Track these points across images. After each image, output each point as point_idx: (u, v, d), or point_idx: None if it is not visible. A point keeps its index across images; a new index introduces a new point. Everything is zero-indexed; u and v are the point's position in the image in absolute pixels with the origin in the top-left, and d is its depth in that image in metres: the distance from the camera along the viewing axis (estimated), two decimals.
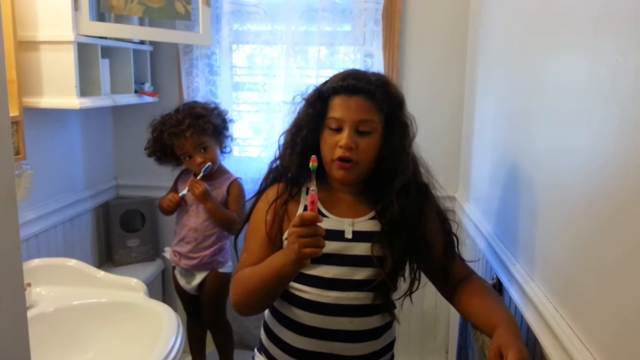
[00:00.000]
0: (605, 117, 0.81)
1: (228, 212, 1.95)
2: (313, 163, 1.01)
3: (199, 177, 1.92)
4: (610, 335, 0.78)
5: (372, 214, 1.18)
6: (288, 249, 1.00)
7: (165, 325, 1.38)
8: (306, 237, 0.96)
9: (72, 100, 1.71)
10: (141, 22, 2.08)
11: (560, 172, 0.99)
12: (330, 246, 1.13)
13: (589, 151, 0.87)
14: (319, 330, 1.14)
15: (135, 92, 2.13)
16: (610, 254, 0.78)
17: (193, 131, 1.88)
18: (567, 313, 0.93)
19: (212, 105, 2.01)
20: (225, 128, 2.03)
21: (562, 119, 1.00)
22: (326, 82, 1.18)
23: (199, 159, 1.92)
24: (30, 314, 1.39)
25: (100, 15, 1.89)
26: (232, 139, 2.10)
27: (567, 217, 0.95)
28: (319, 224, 0.97)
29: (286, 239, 1.10)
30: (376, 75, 1.17)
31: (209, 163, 1.92)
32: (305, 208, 1.18)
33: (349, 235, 1.16)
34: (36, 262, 1.60)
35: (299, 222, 0.96)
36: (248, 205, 1.28)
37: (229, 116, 2.06)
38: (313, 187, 0.99)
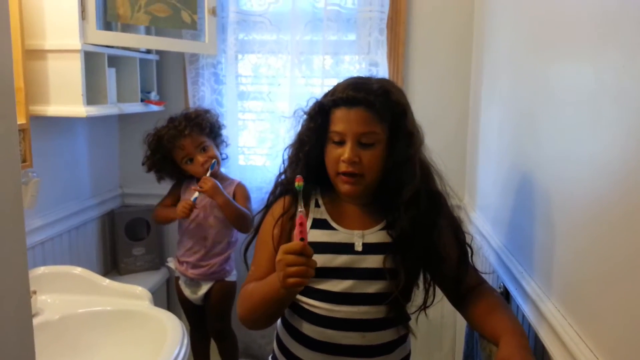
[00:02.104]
0: (612, 122, 0.81)
1: (240, 207, 1.95)
2: (299, 183, 0.99)
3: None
4: (620, 343, 0.77)
5: (382, 224, 1.15)
6: (278, 274, 0.98)
7: (170, 334, 1.38)
8: (294, 266, 0.94)
9: (78, 109, 1.72)
10: (148, 32, 2.10)
11: (567, 179, 0.98)
12: (340, 259, 1.12)
13: (596, 157, 0.86)
14: (329, 345, 1.12)
15: (142, 100, 2.14)
16: (619, 261, 0.78)
17: (191, 130, 1.91)
18: (575, 321, 0.92)
19: (204, 109, 2.05)
20: (220, 130, 2.06)
21: (568, 125, 1.00)
22: (327, 93, 1.16)
23: (201, 159, 1.93)
24: (35, 321, 1.38)
25: (107, 25, 1.90)
26: (226, 145, 2.11)
27: (574, 223, 0.94)
28: (309, 247, 0.95)
29: None
30: (379, 83, 1.13)
31: (214, 160, 1.94)
32: (314, 222, 1.17)
33: (359, 247, 1.13)
34: (42, 269, 1.61)
35: (290, 250, 0.95)
36: (256, 214, 1.27)
37: (221, 119, 2.09)
38: (301, 209, 0.98)
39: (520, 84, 1.36)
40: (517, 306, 1.20)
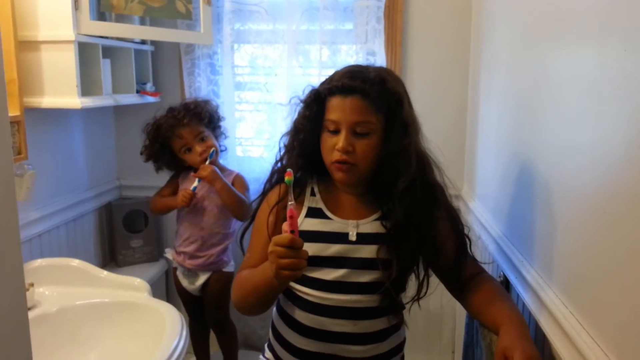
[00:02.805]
0: (614, 109, 0.80)
1: (238, 193, 1.94)
2: (288, 177, 0.99)
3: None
4: (622, 332, 0.76)
5: (377, 215, 1.15)
6: (271, 265, 0.99)
7: (169, 325, 1.38)
8: (286, 258, 0.95)
9: (73, 100, 1.71)
10: (142, 22, 2.08)
11: (568, 168, 0.98)
12: (333, 248, 1.12)
13: (597, 145, 0.86)
14: (322, 332, 1.13)
15: (137, 92, 2.12)
16: (621, 249, 0.77)
17: (190, 119, 1.90)
18: (576, 309, 0.92)
19: (204, 99, 2.04)
20: (219, 121, 2.05)
21: (569, 113, 0.99)
22: (324, 81, 1.16)
23: (199, 149, 1.93)
24: (33, 314, 1.38)
25: (100, 15, 1.88)
26: (225, 136, 2.10)
27: (575, 211, 0.94)
28: (298, 240, 0.96)
29: None
30: (376, 71, 1.12)
31: (213, 149, 1.93)
32: (308, 211, 1.17)
33: (353, 237, 1.13)
34: (39, 262, 1.60)
35: (279, 243, 0.95)
36: (252, 201, 1.27)
37: (220, 111, 2.08)
38: (291, 202, 0.97)
39: (520, 72, 1.35)
40: (518, 295, 1.20)
